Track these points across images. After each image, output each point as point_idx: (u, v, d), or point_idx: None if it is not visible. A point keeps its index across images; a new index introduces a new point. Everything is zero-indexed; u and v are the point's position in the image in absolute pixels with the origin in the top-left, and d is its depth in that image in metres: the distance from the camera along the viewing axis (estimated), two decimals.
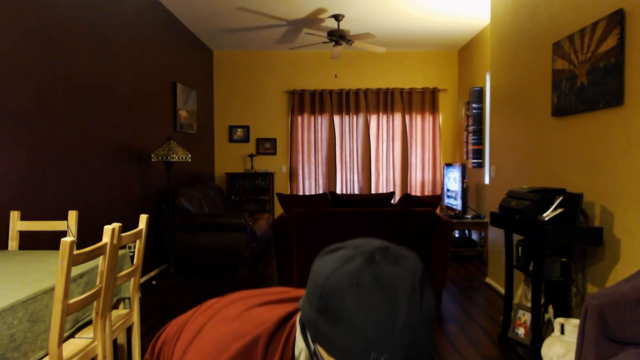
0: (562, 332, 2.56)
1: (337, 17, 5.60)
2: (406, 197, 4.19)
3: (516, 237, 3.53)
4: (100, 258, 1.96)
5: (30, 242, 3.00)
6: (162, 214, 5.10)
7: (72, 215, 2.73)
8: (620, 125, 2.57)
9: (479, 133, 6.27)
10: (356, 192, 7.47)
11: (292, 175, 7.51)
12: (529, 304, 3.04)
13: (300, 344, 0.71)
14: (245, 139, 7.56)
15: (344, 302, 0.60)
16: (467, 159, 6.63)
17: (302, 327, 0.68)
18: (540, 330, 2.79)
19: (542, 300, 2.95)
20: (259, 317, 0.78)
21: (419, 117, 7.44)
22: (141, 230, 2.42)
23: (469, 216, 6.06)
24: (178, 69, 5.86)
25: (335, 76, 7.50)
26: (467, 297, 4.27)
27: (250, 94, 7.55)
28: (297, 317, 0.71)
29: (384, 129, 7.46)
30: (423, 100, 7.43)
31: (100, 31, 3.93)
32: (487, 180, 6.04)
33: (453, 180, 6.32)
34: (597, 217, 2.80)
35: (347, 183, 7.53)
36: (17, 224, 2.69)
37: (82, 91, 3.64)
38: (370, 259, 0.62)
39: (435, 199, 4.20)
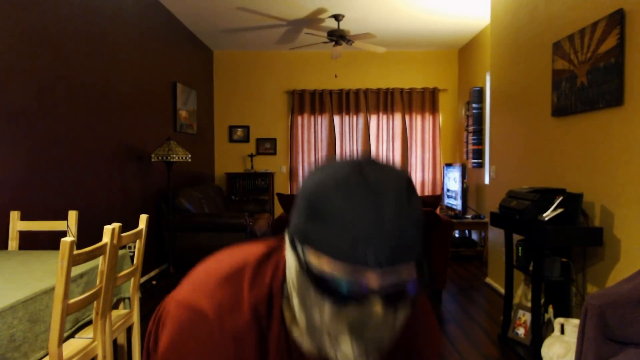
0: (562, 332, 2.56)
1: (337, 17, 5.60)
2: None
3: (516, 237, 3.53)
4: (100, 258, 1.96)
5: (30, 242, 3.00)
6: (162, 214, 5.10)
7: (72, 215, 2.73)
8: (620, 125, 2.57)
9: (479, 133, 6.27)
10: None
11: (292, 175, 7.51)
12: (529, 304, 3.04)
13: (291, 264, 0.70)
14: (245, 139, 7.56)
15: (332, 203, 0.62)
16: (467, 159, 6.63)
17: (291, 240, 0.69)
18: (540, 330, 2.79)
19: (542, 300, 2.95)
20: (248, 249, 0.81)
21: (419, 117, 7.44)
22: (141, 230, 2.42)
23: (469, 216, 6.06)
24: (178, 69, 5.86)
25: (335, 76, 7.50)
26: (467, 297, 4.27)
27: (250, 94, 7.55)
28: (286, 234, 0.71)
29: (384, 129, 7.46)
30: (423, 100, 7.42)
31: (100, 31, 3.93)
32: (487, 180, 6.04)
33: (453, 180, 6.32)
34: (597, 217, 2.80)
35: None
36: (17, 224, 2.69)
37: (82, 91, 3.64)
38: (358, 167, 0.65)
39: (435, 199, 4.20)
